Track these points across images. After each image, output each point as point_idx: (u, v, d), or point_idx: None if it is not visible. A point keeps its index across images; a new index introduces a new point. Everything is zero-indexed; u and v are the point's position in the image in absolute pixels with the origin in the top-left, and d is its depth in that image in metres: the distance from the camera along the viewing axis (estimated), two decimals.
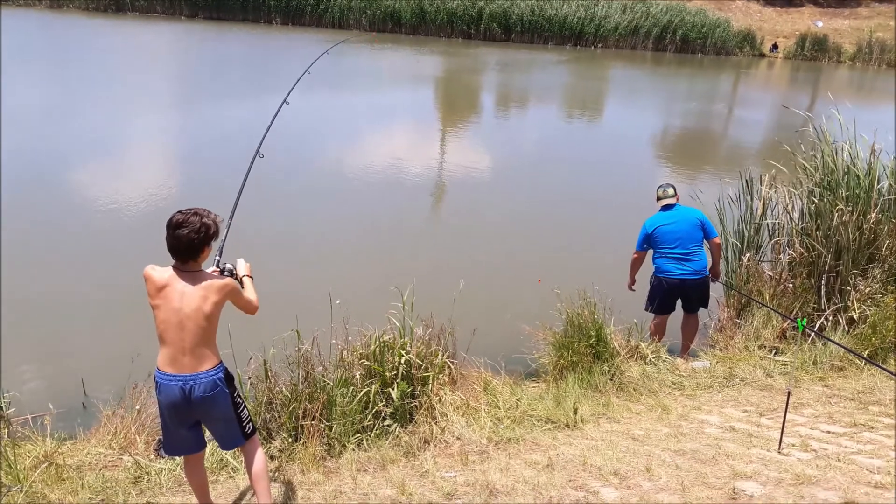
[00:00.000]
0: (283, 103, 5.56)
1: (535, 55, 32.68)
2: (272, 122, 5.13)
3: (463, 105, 21.40)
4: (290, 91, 5.77)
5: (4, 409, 4.36)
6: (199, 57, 25.68)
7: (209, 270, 3.37)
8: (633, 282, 6.27)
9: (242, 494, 3.84)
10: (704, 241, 6.09)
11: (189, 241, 3.13)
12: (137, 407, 4.49)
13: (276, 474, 4.00)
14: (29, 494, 3.62)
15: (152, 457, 4.13)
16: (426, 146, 14.94)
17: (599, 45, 36.94)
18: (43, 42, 25.86)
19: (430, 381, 4.66)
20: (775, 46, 39.30)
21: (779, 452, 4.19)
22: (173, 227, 3.14)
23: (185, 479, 3.79)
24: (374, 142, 14.96)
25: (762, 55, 39.15)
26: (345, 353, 4.60)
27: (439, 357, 4.81)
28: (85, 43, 26.66)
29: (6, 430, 4.25)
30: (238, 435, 3.40)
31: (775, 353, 6.00)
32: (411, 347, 4.70)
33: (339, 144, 14.29)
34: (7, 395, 4.44)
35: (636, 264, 6.23)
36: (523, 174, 13.02)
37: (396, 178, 11.98)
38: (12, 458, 3.85)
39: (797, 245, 6.55)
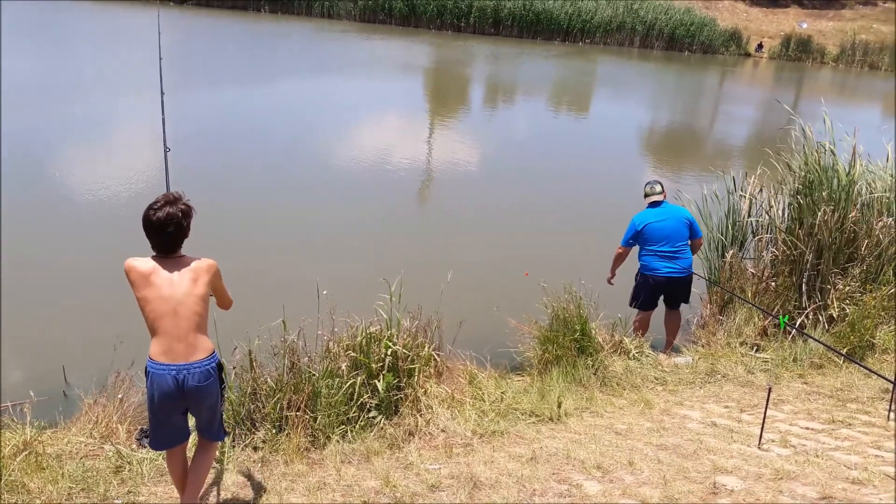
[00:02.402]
0: (162, 96, 5.49)
1: (524, 49, 32.68)
2: (164, 116, 5.06)
3: (452, 98, 21.37)
4: (161, 82, 5.70)
5: None
6: (187, 43, 25.40)
7: None
8: (612, 276, 6.29)
9: (224, 486, 3.82)
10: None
11: (177, 236, 3.12)
12: (119, 396, 4.44)
13: (260, 465, 3.99)
14: (8, 483, 3.57)
15: (134, 446, 4.10)
16: (415, 138, 14.92)
17: (587, 41, 37.01)
18: (27, 24, 25.44)
19: (416, 374, 4.66)
20: (760, 46, 39.60)
21: (759, 448, 4.24)
22: (159, 226, 3.06)
23: (167, 469, 3.77)
24: (362, 133, 14.90)
25: (748, 55, 39.43)
26: (331, 344, 4.58)
27: (426, 349, 4.81)
28: (70, 27, 26.28)
29: None
30: (218, 428, 3.40)
31: (756, 350, 6.07)
32: (398, 339, 4.70)
33: (326, 134, 14.21)
34: None
35: (620, 259, 6.25)
36: (511, 168, 13.03)
37: (385, 170, 11.94)
38: None
39: (780, 243, 6.61)
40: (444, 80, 23.98)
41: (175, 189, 3.30)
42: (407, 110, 18.05)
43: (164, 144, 4.62)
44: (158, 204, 3.09)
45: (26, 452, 3.83)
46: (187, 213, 3.14)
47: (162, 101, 5.23)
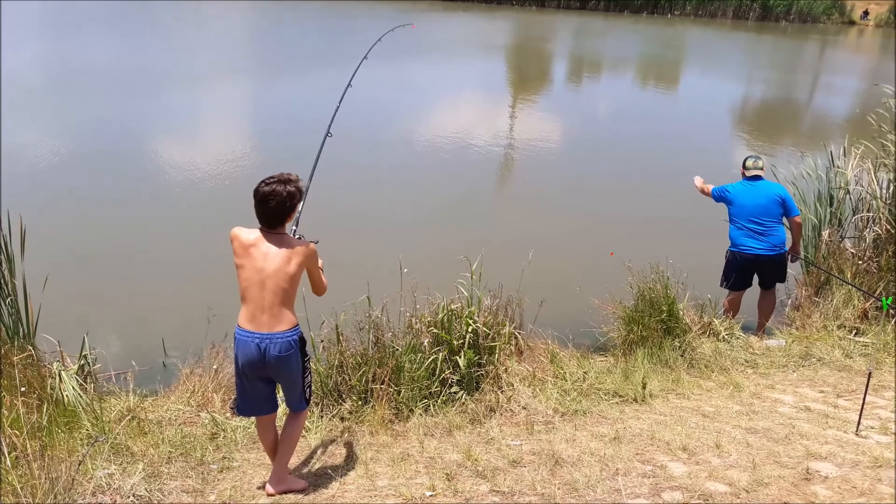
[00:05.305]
0: (347, 87, 5.57)
1: (611, 23, 31.85)
2: (339, 105, 5.15)
3: (534, 74, 21.10)
4: (353, 75, 5.76)
5: (91, 364, 4.60)
6: (277, 31, 26.09)
7: None
8: (698, 186, 6.28)
9: (313, 454, 3.96)
10: (784, 217, 5.87)
11: (279, 212, 3.26)
12: (214, 366, 4.67)
13: (346, 435, 4.11)
14: (114, 445, 3.82)
15: (228, 415, 4.30)
16: (497, 116, 14.84)
17: (677, 13, 35.71)
18: (118, 15, 26.66)
19: (497, 351, 4.68)
20: (866, 13, 37.14)
21: (856, 434, 4.05)
22: (262, 199, 3.24)
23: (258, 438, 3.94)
24: (443, 112, 14.94)
25: (852, 23, 37.06)
26: (413, 320, 4.66)
27: (506, 327, 4.82)
28: (160, 19, 27.39)
29: (93, 385, 4.48)
30: (300, 398, 3.51)
31: (855, 334, 5.76)
32: (479, 317, 4.72)
33: (408, 115, 14.33)
34: (93, 351, 4.67)
35: (706, 195, 6.19)
36: (596, 145, 12.79)
37: (467, 149, 11.94)
38: (99, 410, 4.08)
39: (883, 221, 6.23)
40: (527, 57, 23.67)
41: (268, 169, 3.43)
42: (489, 88, 17.94)
43: (328, 130, 4.78)
44: (272, 179, 3.27)
45: (129, 417, 4.08)
46: (293, 195, 3.28)
47: (344, 92, 5.38)
